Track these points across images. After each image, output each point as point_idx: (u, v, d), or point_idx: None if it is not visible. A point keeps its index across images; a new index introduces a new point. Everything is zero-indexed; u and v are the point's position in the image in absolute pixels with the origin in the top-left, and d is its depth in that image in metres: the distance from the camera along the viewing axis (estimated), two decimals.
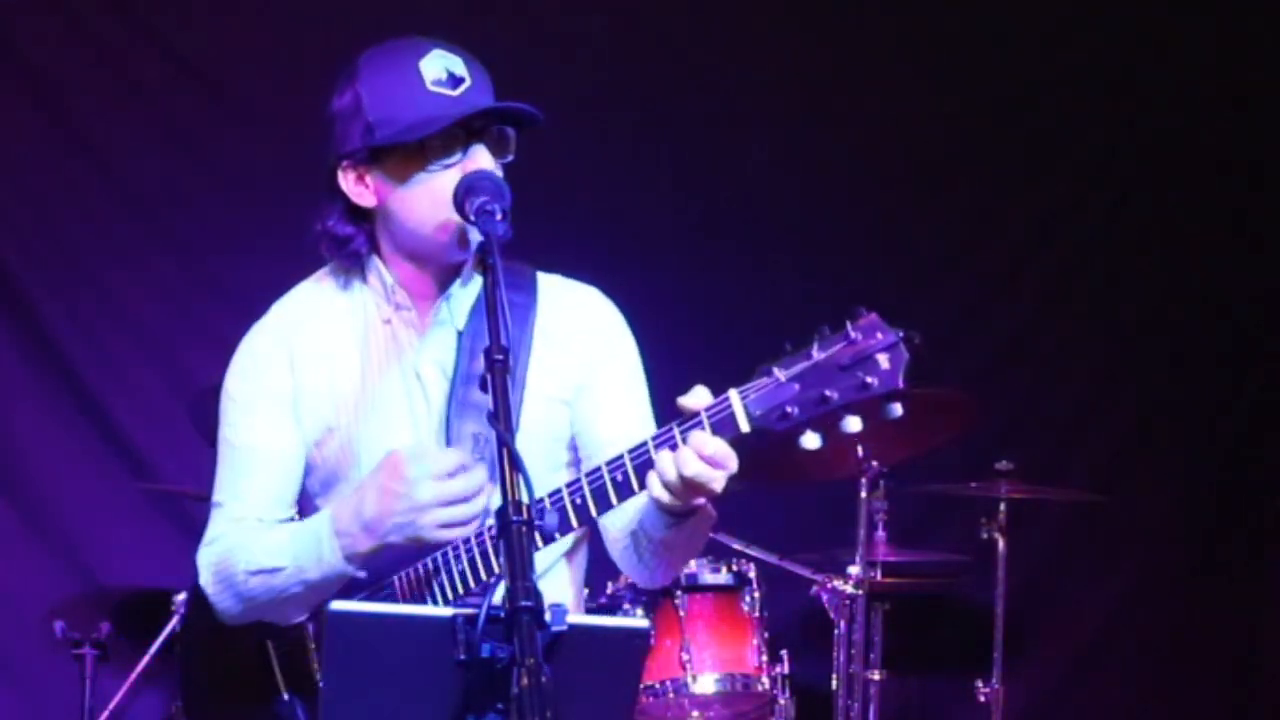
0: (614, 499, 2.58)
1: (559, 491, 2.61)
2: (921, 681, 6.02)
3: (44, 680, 5.35)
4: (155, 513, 5.52)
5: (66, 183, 5.52)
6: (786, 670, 4.71)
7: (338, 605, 2.21)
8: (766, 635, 4.69)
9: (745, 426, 2.48)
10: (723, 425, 2.50)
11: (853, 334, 2.47)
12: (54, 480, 5.48)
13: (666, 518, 2.60)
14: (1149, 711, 6.17)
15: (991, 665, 5.23)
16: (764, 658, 4.66)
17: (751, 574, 4.70)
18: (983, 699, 5.23)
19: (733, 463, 2.50)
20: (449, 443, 2.77)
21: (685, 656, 4.55)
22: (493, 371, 2.36)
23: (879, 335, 2.47)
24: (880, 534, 5.15)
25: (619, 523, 2.81)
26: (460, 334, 2.84)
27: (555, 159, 4.95)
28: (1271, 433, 6.20)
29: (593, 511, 2.59)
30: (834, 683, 5.05)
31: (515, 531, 2.18)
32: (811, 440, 2.50)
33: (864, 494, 5.07)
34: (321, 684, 2.23)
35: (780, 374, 2.47)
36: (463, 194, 2.62)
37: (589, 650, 2.18)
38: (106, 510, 5.50)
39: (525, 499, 2.23)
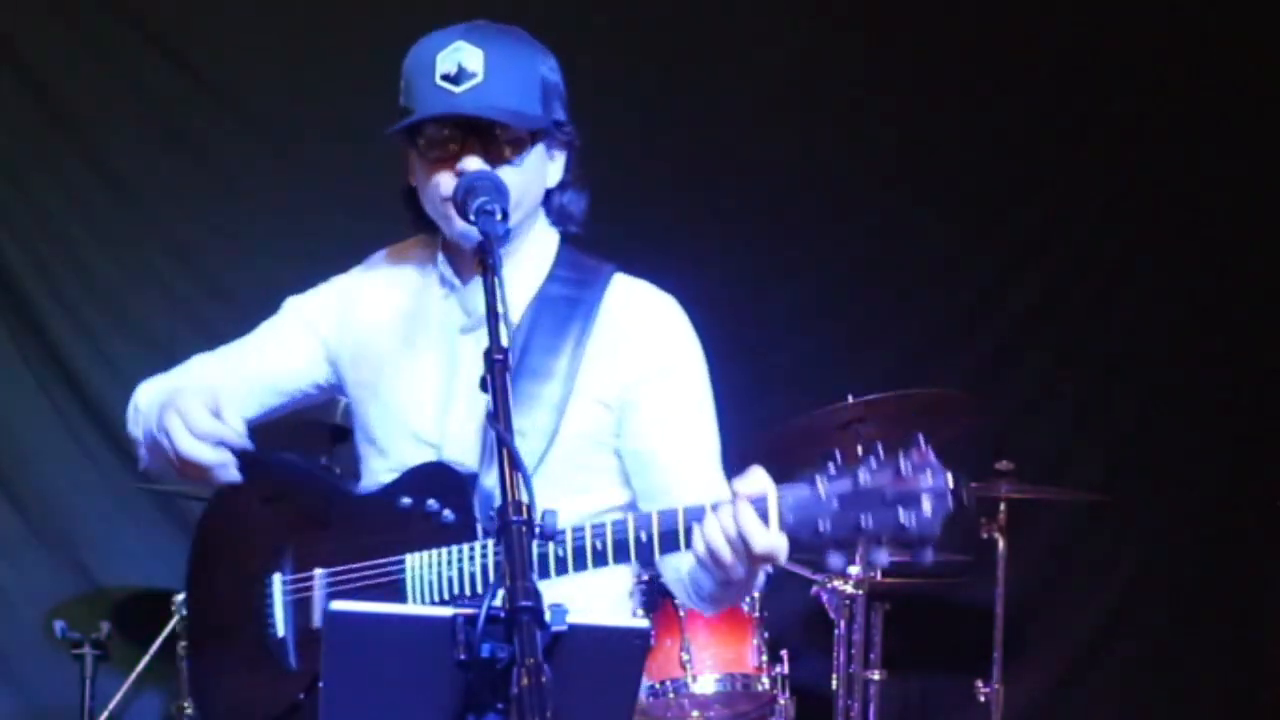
0: (632, 554, 2.56)
1: (594, 527, 2.58)
2: (921, 681, 6.02)
3: (44, 680, 5.35)
4: (155, 513, 5.52)
5: (66, 182, 5.52)
6: (786, 670, 4.70)
7: (338, 605, 2.21)
8: (766, 635, 4.69)
9: (774, 527, 2.45)
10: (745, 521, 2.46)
11: (903, 467, 2.38)
12: (54, 480, 5.48)
13: (716, 575, 2.57)
14: (1149, 711, 6.17)
15: (991, 665, 5.23)
16: (764, 658, 4.66)
17: None
18: (983, 699, 5.23)
19: (782, 556, 2.48)
20: (485, 433, 2.76)
21: (685, 656, 4.55)
22: (492, 371, 2.35)
23: (929, 476, 2.37)
24: None
25: (669, 567, 2.81)
26: (526, 310, 2.84)
27: None
28: (1272, 433, 6.20)
29: (610, 560, 2.56)
30: (834, 683, 5.05)
31: (515, 531, 2.18)
32: (836, 560, 2.46)
33: None
34: (321, 684, 2.22)
35: (822, 488, 2.41)
36: (463, 194, 2.62)
37: (589, 650, 2.18)
38: (106, 510, 5.50)
39: (525, 499, 2.22)
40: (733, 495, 2.47)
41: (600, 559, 2.57)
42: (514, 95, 2.75)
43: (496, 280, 2.45)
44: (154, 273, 5.60)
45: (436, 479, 2.77)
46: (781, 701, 4.69)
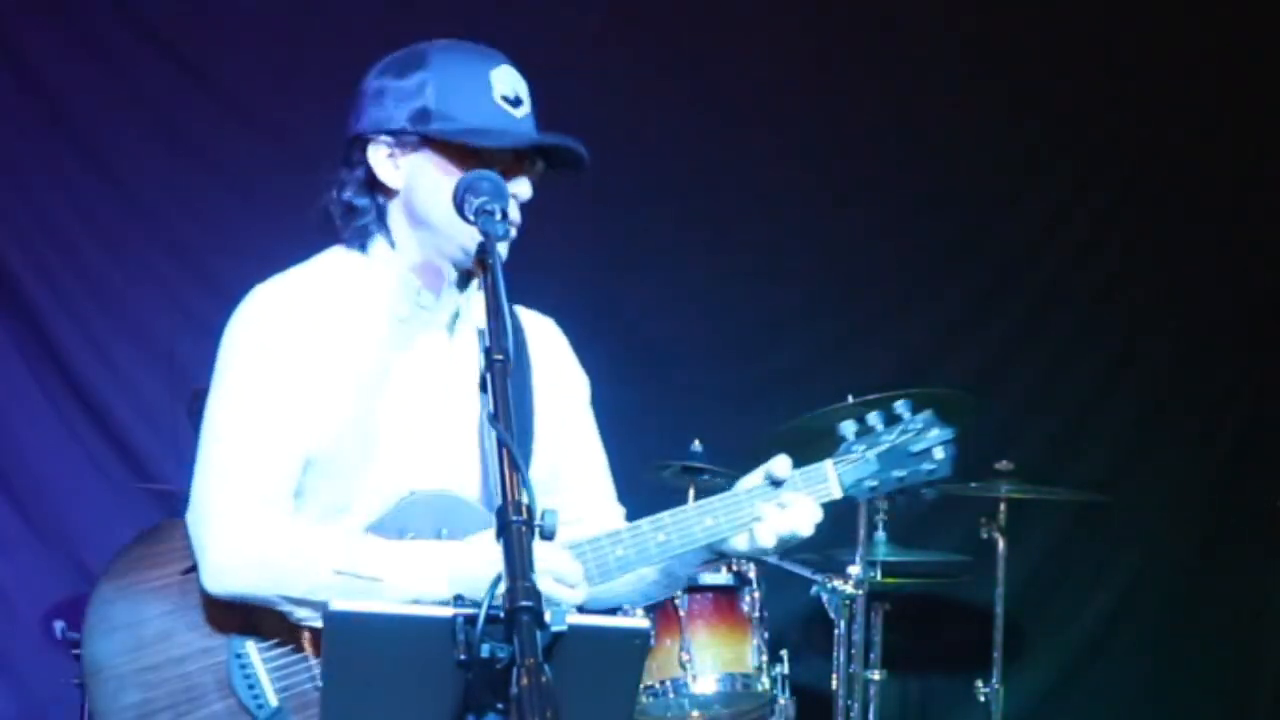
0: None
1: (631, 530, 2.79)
2: (921, 681, 6.02)
3: (44, 680, 5.35)
4: (155, 513, 5.51)
5: (66, 183, 5.52)
6: (786, 670, 4.71)
7: (337, 605, 2.20)
8: (766, 635, 4.69)
9: (838, 493, 2.86)
10: (817, 491, 2.86)
11: (914, 424, 2.92)
12: (54, 480, 5.48)
13: (702, 558, 2.92)
14: (1149, 711, 6.17)
15: (991, 665, 5.23)
16: (764, 658, 4.66)
17: (751, 574, 4.70)
18: (983, 699, 5.23)
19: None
20: (484, 452, 2.78)
21: (685, 656, 4.55)
22: (493, 371, 2.35)
23: (936, 429, 2.93)
24: (880, 534, 5.15)
25: None
26: (482, 332, 2.80)
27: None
28: (1271, 433, 6.20)
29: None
30: (834, 683, 5.05)
31: (515, 531, 2.17)
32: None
33: None
34: (321, 684, 2.22)
35: (867, 452, 2.89)
36: (462, 193, 2.61)
37: (589, 650, 2.18)
38: (106, 510, 5.50)
39: (525, 499, 2.22)
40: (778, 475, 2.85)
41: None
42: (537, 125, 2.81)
43: (496, 280, 2.44)
44: (154, 273, 5.60)
45: (441, 507, 2.73)
46: (781, 701, 4.69)
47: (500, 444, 2.25)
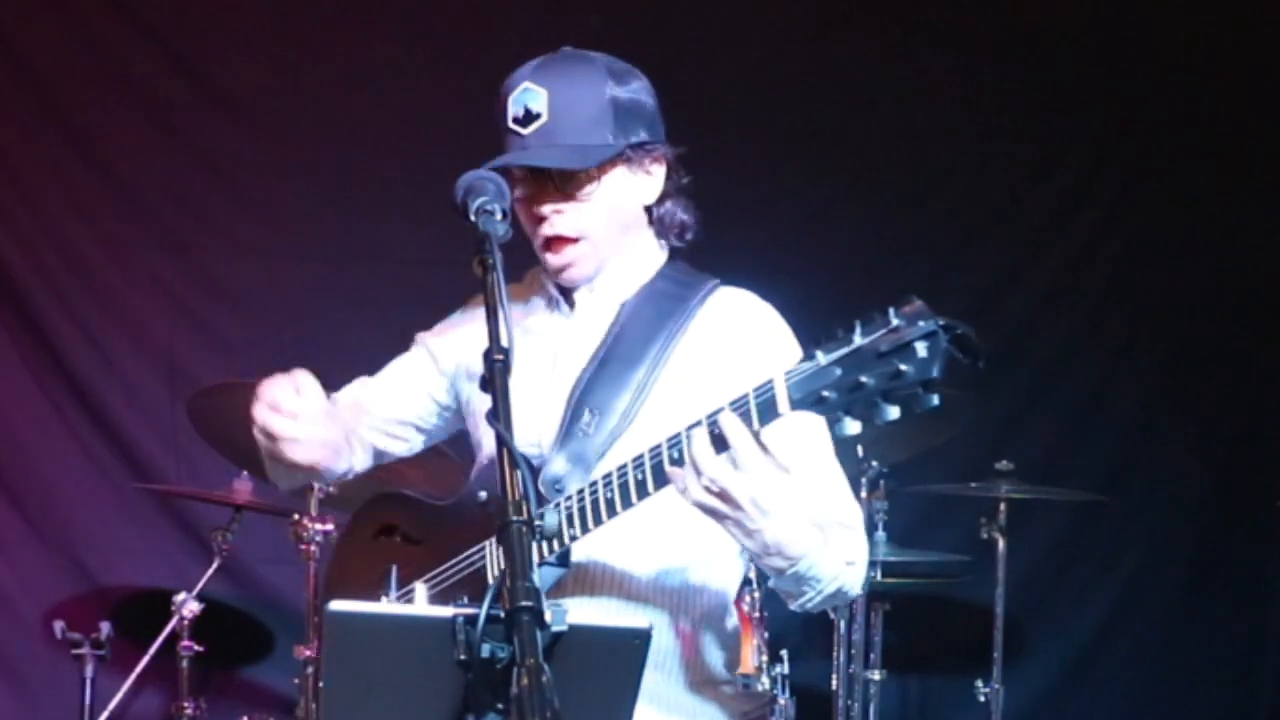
0: (651, 488, 2.61)
1: (619, 470, 2.68)
2: (921, 681, 6.02)
3: (44, 680, 5.36)
4: (155, 513, 5.52)
5: (66, 183, 5.53)
6: (786, 670, 4.70)
7: (337, 605, 2.21)
8: (766, 635, 4.68)
9: (785, 408, 2.47)
10: (766, 407, 2.50)
11: (894, 320, 2.42)
12: (54, 480, 5.49)
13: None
14: (1149, 711, 6.17)
15: (991, 665, 5.23)
16: (764, 658, 4.65)
17: (751, 574, 4.69)
18: (983, 699, 5.23)
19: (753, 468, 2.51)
20: (565, 420, 2.87)
21: None
22: (493, 371, 2.36)
23: (920, 323, 2.41)
24: (880, 534, 5.15)
25: None
26: (622, 306, 2.95)
27: None
28: (1272, 433, 6.20)
29: (619, 507, 2.65)
30: (834, 683, 5.05)
31: (515, 531, 2.18)
32: (852, 426, 2.44)
33: (864, 494, 5.07)
34: (321, 684, 2.22)
35: (822, 357, 2.43)
36: (463, 193, 2.63)
37: (589, 650, 2.18)
38: (106, 510, 5.51)
39: (523, 498, 2.22)
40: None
41: (625, 501, 2.65)
42: (579, 130, 2.85)
43: (495, 280, 2.45)
44: (154, 273, 5.60)
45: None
46: (781, 701, 4.68)
47: (499, 443, 2.26)
